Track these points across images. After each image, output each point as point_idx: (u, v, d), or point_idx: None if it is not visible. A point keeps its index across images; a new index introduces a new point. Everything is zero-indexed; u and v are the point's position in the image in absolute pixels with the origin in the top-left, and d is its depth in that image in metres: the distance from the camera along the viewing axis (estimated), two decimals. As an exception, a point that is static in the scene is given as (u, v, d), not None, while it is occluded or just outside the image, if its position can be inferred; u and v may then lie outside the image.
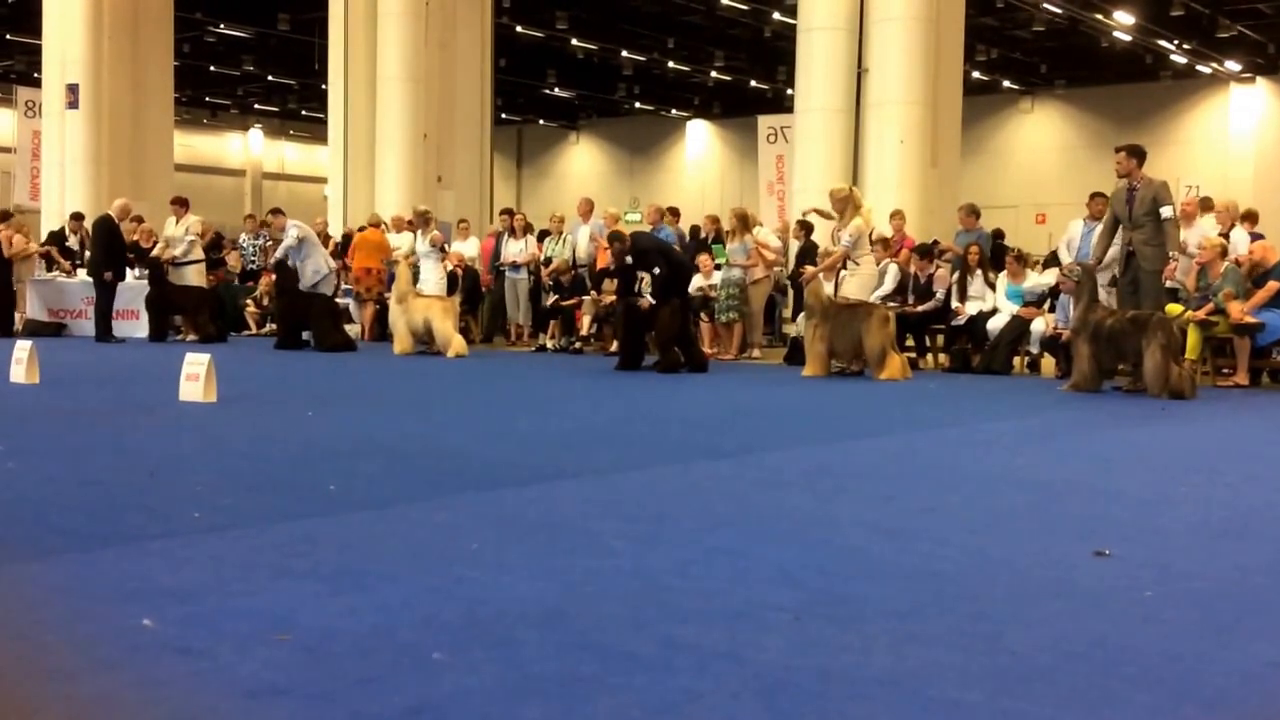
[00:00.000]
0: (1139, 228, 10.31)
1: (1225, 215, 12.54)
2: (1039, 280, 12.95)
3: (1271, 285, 11.03)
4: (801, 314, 12.20)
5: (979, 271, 13.01)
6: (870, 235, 13.94)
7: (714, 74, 35.91)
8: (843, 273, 12.16)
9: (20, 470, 5.28)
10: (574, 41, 32.27)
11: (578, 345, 15.39)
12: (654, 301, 12.04)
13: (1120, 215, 10.49)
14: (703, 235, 17.39)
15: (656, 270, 12.07)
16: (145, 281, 16.07)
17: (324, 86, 22.97)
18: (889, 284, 13.33)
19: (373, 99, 20.50)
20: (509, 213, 17.62)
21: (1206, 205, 13.54)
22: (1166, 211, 10.26)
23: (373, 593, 3.27)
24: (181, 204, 16.63)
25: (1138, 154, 10.52)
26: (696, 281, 14.29)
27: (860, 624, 3.07)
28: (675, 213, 16.88)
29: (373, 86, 20.47)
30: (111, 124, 22.52)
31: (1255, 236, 12.57)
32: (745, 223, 14.51)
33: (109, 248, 15.16)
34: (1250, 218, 13.16)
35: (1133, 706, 2.51)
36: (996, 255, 14.28)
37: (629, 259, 12.22)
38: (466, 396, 9.77)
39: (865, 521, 4.42)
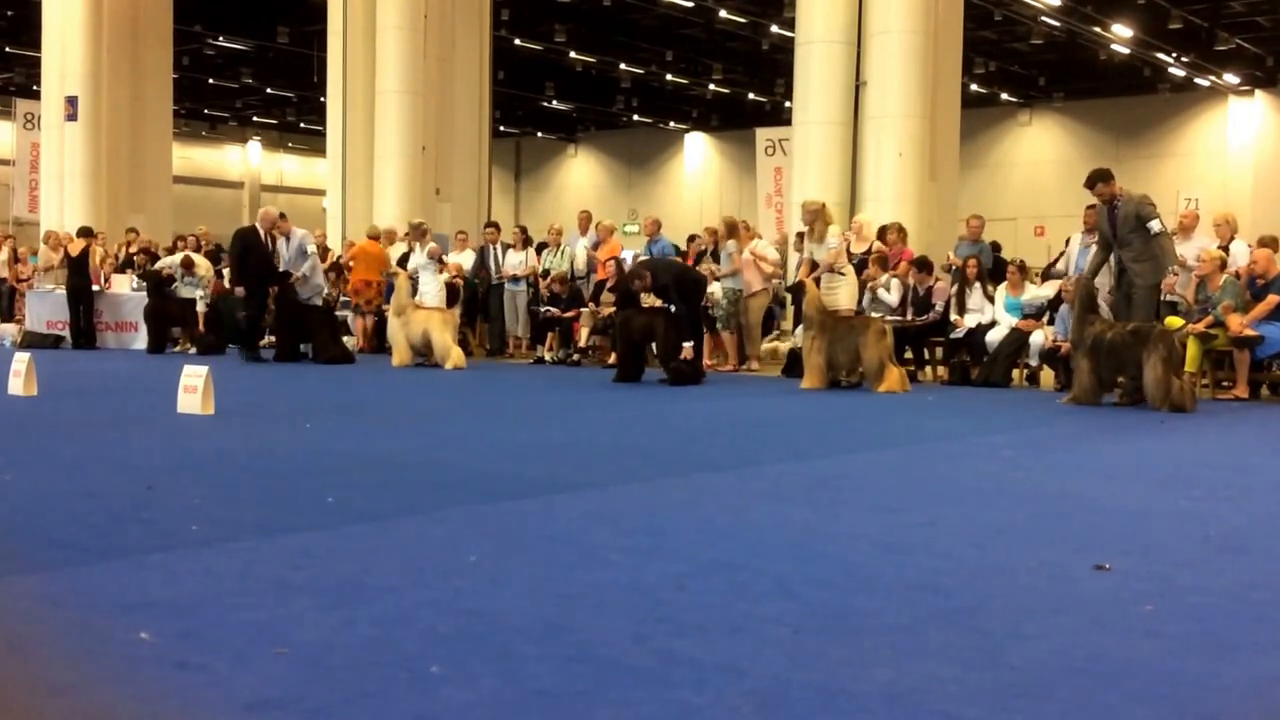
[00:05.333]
0: (1126, 246, 10.29)
1: (1224, 228, 12.52)
2: (1038, 293, 12.94)
3: (1271, 299, 11.02)
4: (800, 326, 12.20)
5: (978, 284, 13.02)
6: (871, 249, 13.99)
7: (712, 87, 36.00)
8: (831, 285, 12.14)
9: (18, 483, 5.27)
10: (572, 54, 32.35)
11: (576, 357, 15.38)
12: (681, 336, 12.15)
13: (1106, 236, 10.49)
14: (701, 247, 17.40)
15: (673, 308, 12.12)
16: (144, 294, 16.06)
17: (322, 99, 22.97)
18: (893, 298, 13.31)
19: (371, 112, 20.50)
20: (495, 226, 17.62)
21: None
22: (1155, 226, 10.16)
23: (371, 606, 3.26)
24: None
25: (1108, 177, 10.48)
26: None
27: (859, 638, 3.06)
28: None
29: (371, 99, 20.48)
30: (110, 136, 22.52)
31: None
32: (730, 231, 14.58)
33: (241, 261, 14.83)
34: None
35: (1133, 721, 2.51)
36: (995, 268, 14.28)
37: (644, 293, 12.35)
38: (465, 409, 9.75)
39: (864, 535, 4.42)
